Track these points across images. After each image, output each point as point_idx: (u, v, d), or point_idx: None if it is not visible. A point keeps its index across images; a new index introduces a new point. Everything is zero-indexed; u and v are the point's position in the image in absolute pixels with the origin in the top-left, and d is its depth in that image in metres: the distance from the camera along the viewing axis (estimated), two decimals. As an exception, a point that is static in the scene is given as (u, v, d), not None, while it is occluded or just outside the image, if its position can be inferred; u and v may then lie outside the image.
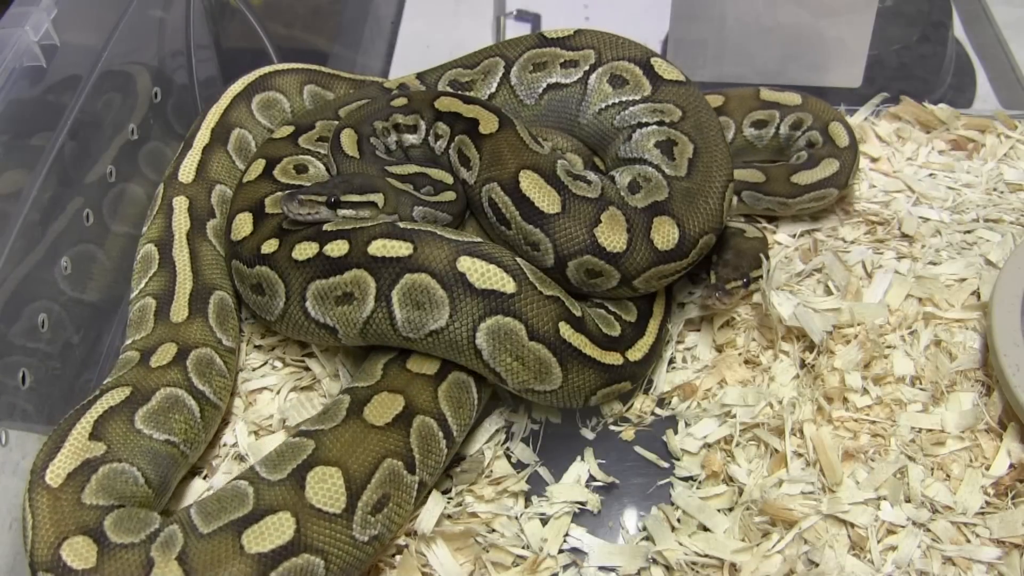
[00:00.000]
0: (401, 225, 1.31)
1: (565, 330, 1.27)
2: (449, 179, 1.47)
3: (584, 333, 1.30)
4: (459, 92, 1.59)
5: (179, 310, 1.43)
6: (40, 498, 1.17)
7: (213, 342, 1.41)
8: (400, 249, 1.27)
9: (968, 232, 1.65)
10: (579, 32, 1.58)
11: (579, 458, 1.39)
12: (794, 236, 1.67)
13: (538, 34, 1.61)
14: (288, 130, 1.63)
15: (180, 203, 1.56)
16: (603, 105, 1.53)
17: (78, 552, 1.13)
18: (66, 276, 1.46)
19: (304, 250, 1.32)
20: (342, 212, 1.35)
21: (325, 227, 1.34)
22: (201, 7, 1.94)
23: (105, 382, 1.33)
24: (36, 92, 1.44)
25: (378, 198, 1.37)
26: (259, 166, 1.55)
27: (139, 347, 1.38)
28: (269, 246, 1.37)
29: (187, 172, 1.60)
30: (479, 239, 1.31)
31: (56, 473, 1.18)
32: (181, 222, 1.54)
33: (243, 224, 1.44)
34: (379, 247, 1.27)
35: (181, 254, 1.50)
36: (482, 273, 1.25)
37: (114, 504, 1.18)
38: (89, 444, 1.21)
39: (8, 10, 1.45)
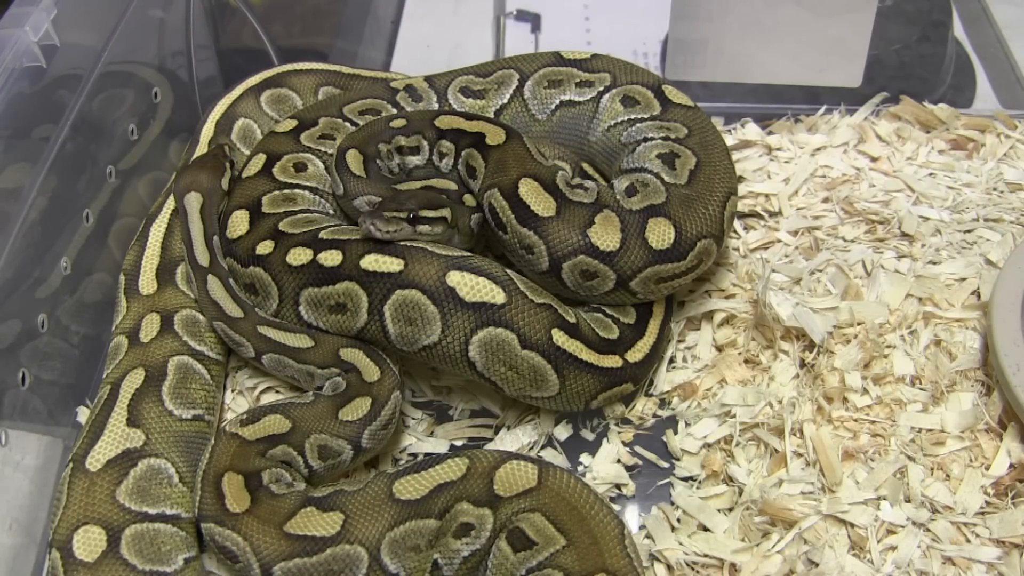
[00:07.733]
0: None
1: (559, 336, 1.27)
2: (453, 185, 1.48)
3: (579, 338, 1.30)
4: (458, 111, 1.60)
5: (147, 283, 1.44)
6: (78, 481, 1.18)
7: (190, 303, 1.43)
8: (391, 265, 1.27)
9: (968, 232, 1.65)
10: (596, 56, 1.62)
11: (605, 440, 1.40)
12: (794, 234, 1.67)
13: (554, 53, 1.64)
14: (291, 124, 1.60)
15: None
16: (613, 123, 1.55)
17: (88, 542, 1.14)
18: (66, 276, 1.46)
19: (298, 255, 1.33)
20: (420, 228, 1.32)
21: (320, 235, 1.34)
22: (201, 7, 1.94)
23: (105, 375, 1.34)
24: (36, 92, 1.44)
25: (447, 212, 1.35)
26: (259, 161, 1.54)
27: (123, 330, 1.39)
28: (264, 247, 1.37)
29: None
30: (468, 253, 1.31)
31: (96, 459, 1.20)
32: (171, 200, 1.55)
33: (239, 222, 1.44)
34: (371, 261, 1.28)
35: (158, 229, 1.52)
36: (471, 286, 1.26)
37: (145, 513, 1.18)
38: (129, 432, 1.23)
39: (8, 10, 1.45)
